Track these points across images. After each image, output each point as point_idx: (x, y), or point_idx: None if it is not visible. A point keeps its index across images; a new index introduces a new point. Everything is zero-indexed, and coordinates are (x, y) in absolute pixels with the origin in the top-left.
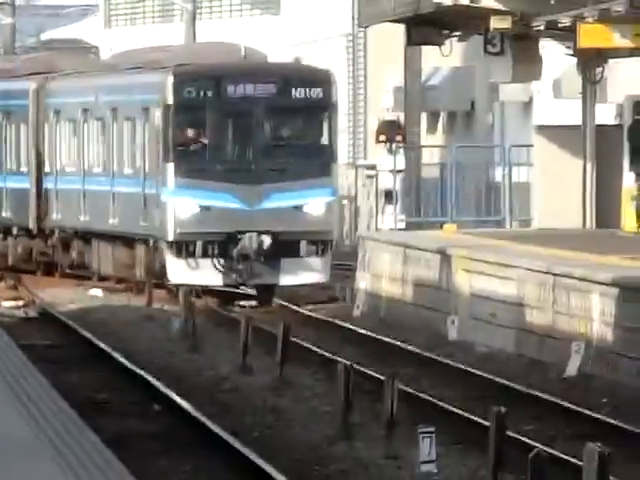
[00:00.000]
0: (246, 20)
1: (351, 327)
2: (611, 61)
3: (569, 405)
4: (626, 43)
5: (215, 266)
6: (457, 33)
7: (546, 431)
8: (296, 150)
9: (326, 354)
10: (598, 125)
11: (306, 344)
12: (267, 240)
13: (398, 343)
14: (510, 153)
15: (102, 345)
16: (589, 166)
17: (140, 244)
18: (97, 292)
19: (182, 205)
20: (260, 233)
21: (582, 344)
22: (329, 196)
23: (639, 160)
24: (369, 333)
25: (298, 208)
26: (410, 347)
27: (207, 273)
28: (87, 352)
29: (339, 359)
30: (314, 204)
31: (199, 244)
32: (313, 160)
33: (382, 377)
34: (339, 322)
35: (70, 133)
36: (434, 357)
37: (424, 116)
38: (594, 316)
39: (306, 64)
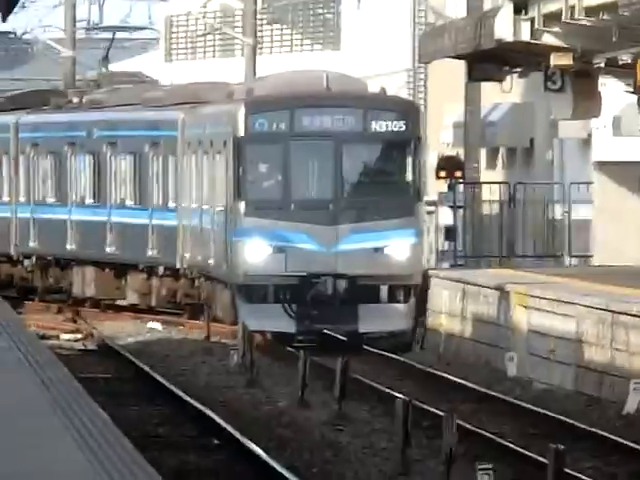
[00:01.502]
0: (306, 55)
1: (410, 362)
2: None
3: (628, 443)
4: None
5: (287, 312)
6: (517, 69)
7: (605, 469)
8: (377, 188)
9: (385, 389)
10: None
11: (365, 379)
12: (344, 284)
13: (457, 379)
14: (570, 190)
15: (160, 379)
16: None
17: (223, 287)
18: (156, 325)
19: (252, 246)
20: (337, 277)
21: None
22: (412, 237)
23: None
24: (428, 369)
25: (378, 250)
26: (469, 383)
27: (279, 319)
28: (146, 385)
29: (398, 395)
30: (396, 246)
31: (271, 288)
32: (395, 199)
33: (441, 413)
34: (398, 357)
35: (193, 167)
36: (493, 393)
37: (483, 152)
38: None
39: (390, 95)
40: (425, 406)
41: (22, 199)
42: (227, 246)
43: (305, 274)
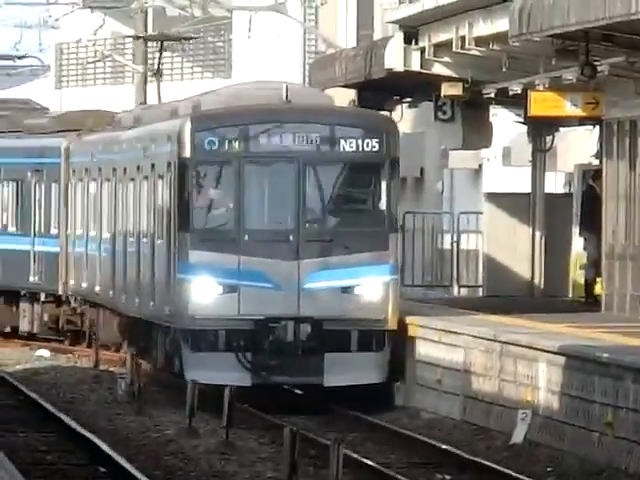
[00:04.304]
0: (198, 83)
1: (297, 392)
2: (561, 130)
3: (513, 473)
4: (576, 112)
5: (241, 362)
6: (408, 99)
7: None
8: (346, 217)
9: (272, 419)
10: (547, 193)
11: (252, 408)
12: (307, 330)
13: (344, 408)
14: (459, 220)
15: (48, 406)
16: (538, 234)
17: (162, 331)
18: (44, 352)
19: (200, 285)
20: (299, 321)
21: (528, 412)
22: (386, 275)
23: (589, 226)
24: (314, 398)
25: (348, 290)
26: (356, 412)
27: (231, 370)
28: (34, 413)
29: (285, 424)
30: (368, 285)
31: (221, 334)
32: (367, 229)
33: (328, 442)
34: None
35: (134, 194)
36: (380, 423)
37: None
38: (540, 384)
39: (362, 109)
40: (312, 435)
41: None
42: (170, 285)
43: (262, 317)
